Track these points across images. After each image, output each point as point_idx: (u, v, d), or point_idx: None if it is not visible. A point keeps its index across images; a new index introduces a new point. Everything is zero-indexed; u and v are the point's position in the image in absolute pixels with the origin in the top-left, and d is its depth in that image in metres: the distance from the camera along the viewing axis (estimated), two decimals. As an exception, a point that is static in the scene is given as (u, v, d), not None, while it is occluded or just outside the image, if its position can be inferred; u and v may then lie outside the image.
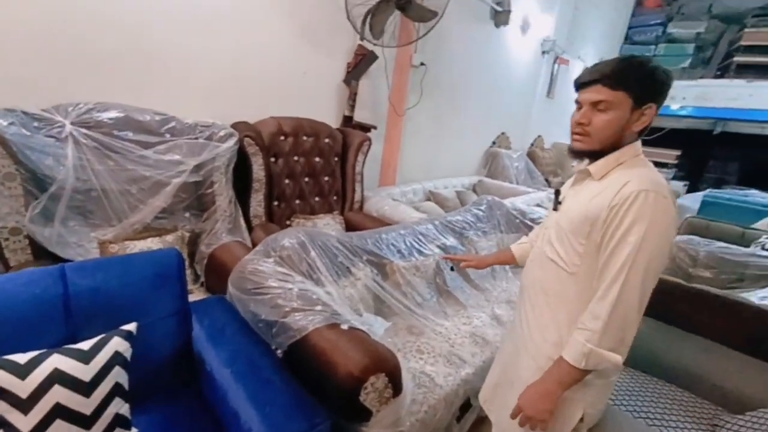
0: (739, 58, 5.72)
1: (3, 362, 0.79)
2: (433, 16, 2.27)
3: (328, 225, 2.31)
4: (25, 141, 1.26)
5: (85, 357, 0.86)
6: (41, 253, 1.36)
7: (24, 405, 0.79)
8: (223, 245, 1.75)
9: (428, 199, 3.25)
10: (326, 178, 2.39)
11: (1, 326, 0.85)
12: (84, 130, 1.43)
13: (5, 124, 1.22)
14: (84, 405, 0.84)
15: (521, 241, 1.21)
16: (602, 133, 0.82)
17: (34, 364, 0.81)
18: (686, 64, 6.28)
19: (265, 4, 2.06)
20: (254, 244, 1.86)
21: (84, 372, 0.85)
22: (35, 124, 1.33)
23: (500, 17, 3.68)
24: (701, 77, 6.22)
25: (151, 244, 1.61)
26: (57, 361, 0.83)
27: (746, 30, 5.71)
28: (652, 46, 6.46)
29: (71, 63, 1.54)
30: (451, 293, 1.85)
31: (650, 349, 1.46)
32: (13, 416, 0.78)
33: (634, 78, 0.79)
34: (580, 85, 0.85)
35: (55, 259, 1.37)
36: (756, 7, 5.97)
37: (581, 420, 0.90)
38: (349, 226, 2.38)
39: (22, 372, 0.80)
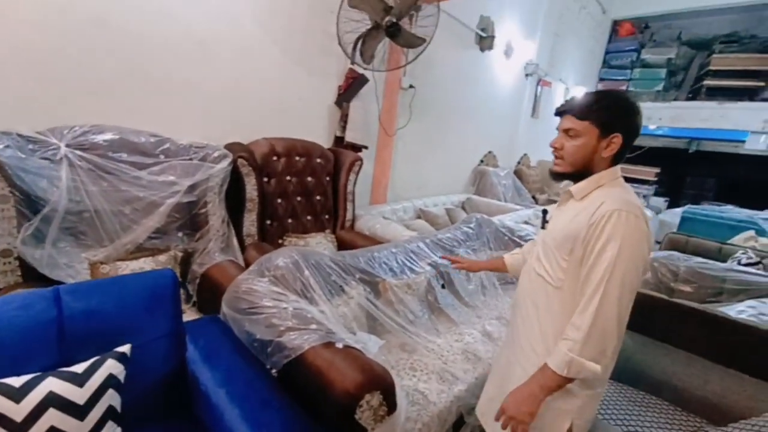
0: (708, 82, 6.06)
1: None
2: (421, 43, 2.38)
3: (320, 244, 2.33)
4: (20, 163, 1.27)
5: (79, 380, 0.86)
6: (31, 275, 1.35)
7: (19, 429, 0.78)
8: (216, 265, 1.76)
9: (418, 217, 3.31)
10: (318, 198, 2.42)
11: (2, 345, 0.84)
12: (79, 152, 1.45)
13: (1, 147, 1.23)
14: (78, 429, 0.83)
15: (514, 252, 1.26)
16: (572, 157, 0.92)
17: (29, 387, 0.81)
18: (660, 87, 6.61)
19: (258, 29, 2.13)
20: (247, 264, 1.88)
21: (78, 395, 0.84)
22: (30, 146, 1.34)
23: (485, 42, 3.86)
24: (675, 99, 6.55)
25: (144, 264, 1.61)
26: (51, 384, 0.83)
27: (714, 56, 6.07)
28: (628, 71, 6.81)
29: (68, 86, 1.57)
30: (442, 310, 1.88)
31: (636, 363, 1.51)
32: (6, 442, 0.77)
33: (598, 111, 0.88)
34: (558, 113, 0.95)
35: (46, 280, 1.36)
36: (722, 34, 6.39)
37: (570, 430, 0.92)
38: (341, 245, 2.40)
39: (16, 395, 0.79)
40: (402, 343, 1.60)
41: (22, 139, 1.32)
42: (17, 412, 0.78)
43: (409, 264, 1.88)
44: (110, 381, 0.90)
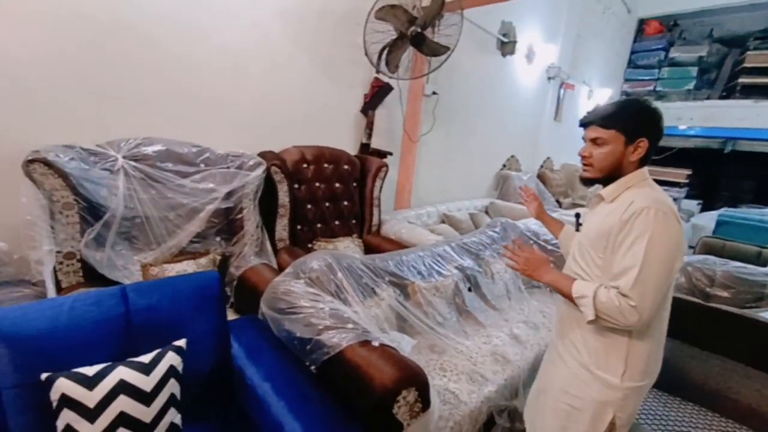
0: (743, 80, 5.82)
1: (73, 375, 0.88)
2: (445, 51, 2.43)
3: (348, 248, 2.39)
4: (83, 174, 1.40)
5: (146, 369, 0.95)
6: (91, 276, 1.47)
7: (91, 414, 0.87)
8: (252, 268, 1.85)
9: (442, 222, 3.33)
10: (346, 203, 2.50)
11: (72, 341, 0.94)
12: (133, 163, 1.58)
13: (66, 159, 1.36)
14: (145, 414, 0.91)
15: (568, 227, 1.27)
16: (601, 164, 0.96)
17: (101, 375, 0.90)
18: (690, 86, 6.39)
19: (287, 43, 2.24)
20: (280, 267, 1.96)
21: (145, 383, 0.93)
22: (92, 158, 1.47)
23: (506, 47, 3.87)
24: (707, 98, 6.31)
25: (186, 266, 1.71)
26: (122, 372, 0.92)
27: (749, 53, 5.83)
28: (656, 70, 6.62)
29: (118, 101, 1.71)
30: (470, 313, 1.90)
31: (674, 369, 1.48)
32: (81, 425, 0.86)
33: (623, 119, 0.92)
34: (583, 124, 0.99)
35: (104, 280, 1.48)
36: (756, 30, 6.13)
37: (612, 423, 0.94)
38: (368, 249, 2.46)
39: (90, 383, 0.88)
40: (431, 344, 1.63)
41: (85, 151, 1.46)
42: (90, 398, 0.87)
43: (436, 267, 1.92)
44: (172, 371, 0.99)
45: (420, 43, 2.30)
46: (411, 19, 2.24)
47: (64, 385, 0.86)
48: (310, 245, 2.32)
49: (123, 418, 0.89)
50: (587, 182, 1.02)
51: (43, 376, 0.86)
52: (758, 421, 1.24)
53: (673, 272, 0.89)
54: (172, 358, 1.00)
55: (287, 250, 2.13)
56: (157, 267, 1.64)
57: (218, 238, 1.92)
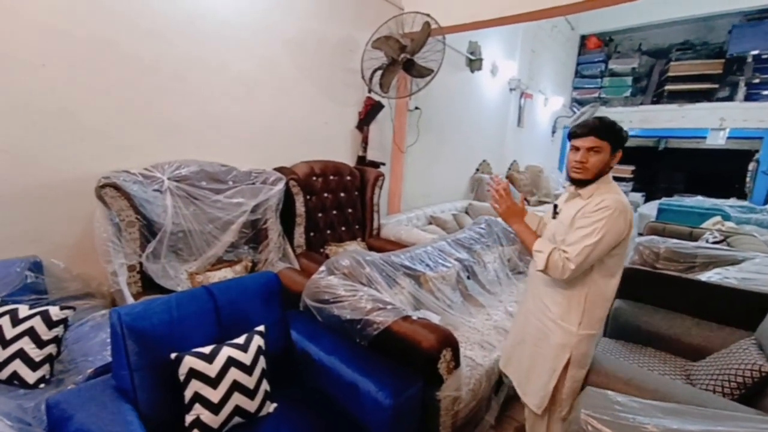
0: (669, 87, 6.74)
1: (195, 353, 1.10)
2: (429, 73, 2.79)
3: (355, 250, 2.66)
4: (143, 195, 1.58)
5: (243, 348, 1.18)
6: (148, 285, 1.64)
7: (213, 382, 1.09)
8: (280, 271, 2.06)
9: (430, 223, 3.68)
10: (350, 210, 2.76)
11: (184, 329, 1.15)
12: (176, 183, 1.77)
13: (130, 182, 1.54)
14: (249, 381, 1.15)
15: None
16: (595, 168, 1.23)
17: (214, 353, 1.12)
18: (627, 93, 7.29)
19: (293, 68, 2.49)
20: (302, 269, 2.19)
21: (245, 358, 1.16)
22: (145, 181, 1.65)
23: (474, 64, 4.33)
24: (641, 104, 7.22)
25: (225, 273, 1.91)
26: (228, 351, 1.15)
27: (672, 63, 6.78)
28: (598, 79, 7.47)
29: (155, 129, 1.89)
30: (472, 296, 2.23)
31: (632, 323, 1.89)
32: (206, 391, 1.08)
33: (611, 133, 1.22)
34: (577, 135, 1.25)
35: (158, 289, 1.66)
36: (677, 43, 7.13)
37: (569, 359, 1.27)
38: (372, 250, 2.73)
39: (209, 359, 1.11)
40: (446, 323, 1.93)
41: (139, 175, 1.63)
42: (212, 370, 1.10)
43: (440, 260, 2.23)
44: (260, 350, 1.22)
45: (409, 67, 2.65)
46: (402, 47, 2.58)
47: (190, 361, 1.07)
48: (322, 250, 2.56)
49: (236, 385, 1.12)
50: (580, 183, 1.25)
51: (173, 355, 1.07)
52: (696, 353, 1.65)
53: (609, 252, 1.19)
54: (258, 340, 1.24)
55: (305, 254, 2.36)
56: (201, 275, 1.82)
57: (247, 247, 2.12)
